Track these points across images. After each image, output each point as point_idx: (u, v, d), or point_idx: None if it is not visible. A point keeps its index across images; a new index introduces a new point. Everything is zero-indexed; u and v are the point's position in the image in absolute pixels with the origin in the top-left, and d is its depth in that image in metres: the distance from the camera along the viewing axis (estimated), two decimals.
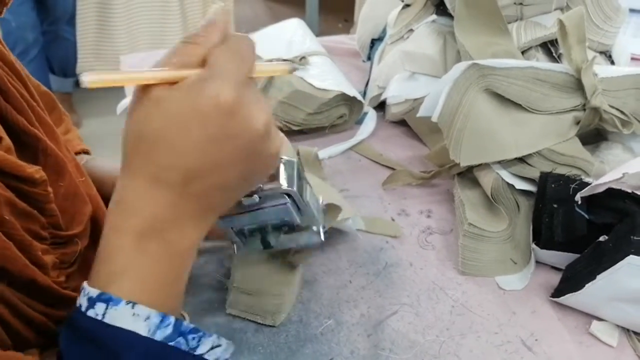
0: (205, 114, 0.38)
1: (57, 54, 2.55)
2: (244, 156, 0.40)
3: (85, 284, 0.40)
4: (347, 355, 0.60)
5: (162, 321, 0.39)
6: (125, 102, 1.00)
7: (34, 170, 0.47)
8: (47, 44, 2.48)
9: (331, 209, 0.64)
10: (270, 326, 0.63)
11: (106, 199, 0.48)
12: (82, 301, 0.39)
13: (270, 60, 0.92)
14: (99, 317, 0.38)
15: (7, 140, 0.48)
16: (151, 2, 2.64)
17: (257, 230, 0.55)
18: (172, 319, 0.39)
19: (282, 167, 0.50)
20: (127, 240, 0.39)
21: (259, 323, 0.63)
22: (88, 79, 0.36)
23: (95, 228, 0.58)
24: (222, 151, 0.39)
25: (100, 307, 0.38)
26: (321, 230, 0.57)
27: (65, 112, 0.74)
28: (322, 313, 0.65)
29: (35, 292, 0.46)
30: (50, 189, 0.49)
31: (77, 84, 2.67)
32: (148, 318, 0.38)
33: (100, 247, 0.40)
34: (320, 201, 0.57)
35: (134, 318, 0.38)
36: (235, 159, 0.40)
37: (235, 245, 0.57)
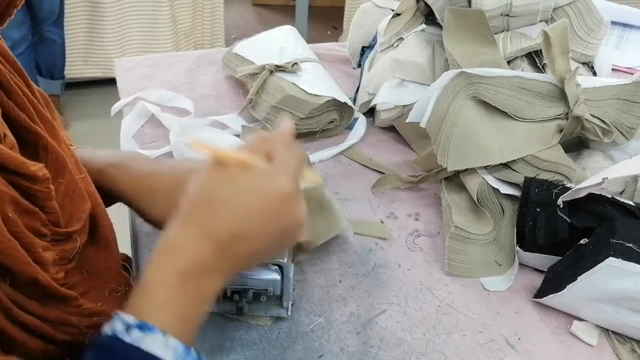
0: (268, 195, 0.47)
1: (43, 56, 2.53)
2: (281, 234, 0.49)
3: (119, 312, 0.43)
4: (337, 352, 0.62)
5: (186, 353, 0.43)
6: (119, 104, 1.01)
7: (37, 168, 0.48)
8: (33, 45, 2.47)
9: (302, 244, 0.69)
10: (262, 325, 0.64)
11: None
12: (117, 326, 0.42)
13: (271, 70, 0.95)
14: (136, 344, 0.41)
15: (10, 137, 0.49)
16: (142, 6, 2.65)
17: (237, 293, 0.61)
18: (194, 352, 0.43)
19: None
20: (171, 278, 0.45)
21: (251, 322, 0.65)
22: (193, 141, 0.47)
23: (94, 225, 0.59)
24: (268, 227, 0.47)
25: (136, 333, 0.41)
26: (289, 306, 0.64)
27: (57, 112, 0.75)
28: (312, 311, 0.67)
29: (35, 292, 0.47)
30: (52, 187, 0.50)
31: (65, 86, 2.67)
32: (175, 349, 0.42)
33: (143, 281, 0.45)
34: (291, 274, 0.63)
35: (165, 347, 0.42)
36: (274, 235, 0.48)
37: None
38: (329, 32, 3.55)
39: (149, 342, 0.41)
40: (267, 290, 0.61)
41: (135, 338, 0.41)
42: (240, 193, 0.47)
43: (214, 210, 0.46)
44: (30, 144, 0.52)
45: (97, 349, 0.42)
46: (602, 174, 0.66)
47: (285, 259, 0.60)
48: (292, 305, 0.64)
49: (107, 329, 0.42)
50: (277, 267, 0.61)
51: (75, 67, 2.70)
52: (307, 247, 0.69)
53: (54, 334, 0.49)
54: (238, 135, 0.91)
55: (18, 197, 0.46)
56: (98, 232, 0.60)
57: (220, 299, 0.62)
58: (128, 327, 0.41)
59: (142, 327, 0.42)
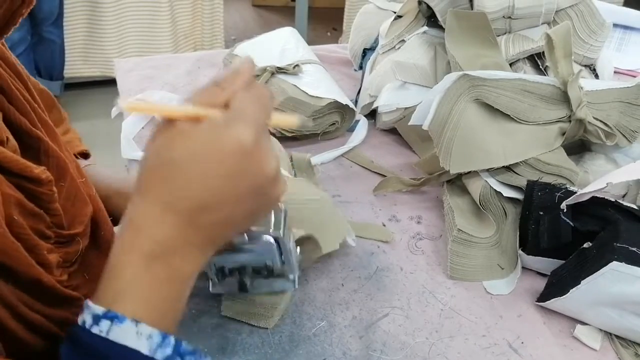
0: (225, 152, 0.40)
1: (42, 56, 2.53)
2: (253, 195, 0.43)
3: (88, 301, 0.40)
4: (339, 356, 0.62)
5: (163, 340, 0.40)
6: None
7: (40, 171, 0.48)
8: (33, 46, 2.47)
9: (311, 246, 0.67)
10: (265, 328, 0.64)
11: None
12: (87, 318, 0.39)
13: (272, 71, 0.94)
14: (103, 334, 0.38)
15: (12, 141, 0.49)
16: (141, 6, 2.64)
17: (236, 271, 0.57)
18: (172, 340, 0.40)
19: (272, 213, 0.53)
20: (135, 259, 0.41)
21: (254, 325, 0.64)
22: (125, 105, 0.41)
23: (96, 228, 0.59)
24: (234, 188, 0.41)
25: (104, 324, 0.39)
26: (296, 278, 0.59)
27: (64, 111, 0.75)
28: (315, 315, 0.66)
29: (40, 293, 0.46)
30: (55, 189, 0.50)
31: (64, 86, 2.67)
32: (150, 337, 0.39)
33: (108, 264, 0.42)
34: (297, 251, 0.60)
35: (137, 336, 0.39)
36: (245, 197, 0.42)
37: (211, 282, 0.59)
38: (328, 34, 3.55)
39: (119, 333, 0.38)
40: (265, 264, 0.56)
41: (103, 328, 0.39)
42: (193, 152, 0.41)
43: (169, 176, 0.41)
44: (31, 148, 0.51)
45: (68, 341, 0.40)
46: (606, 178, 0.66)
47: (281, 231, 0.54)
48: (298, 277, 0.60)
49: (79, 319, 0.40)
50: (271, 238, 0.54)
51: (75, 68, 2.70)
52: (315, 255, 0.68)
53: (58, 333, 0.49)
54: None
55: (23, 200, 0.46)
56: (100, 236, 0.60)
57: (220, 279, 0.58)
58: (96, 318, 0.39)
59: (111, 316, 0.39)
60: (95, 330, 0.39)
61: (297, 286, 0.60)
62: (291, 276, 0.59)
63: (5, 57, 0.55)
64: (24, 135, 0.51)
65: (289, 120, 0.48)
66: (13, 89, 0.52)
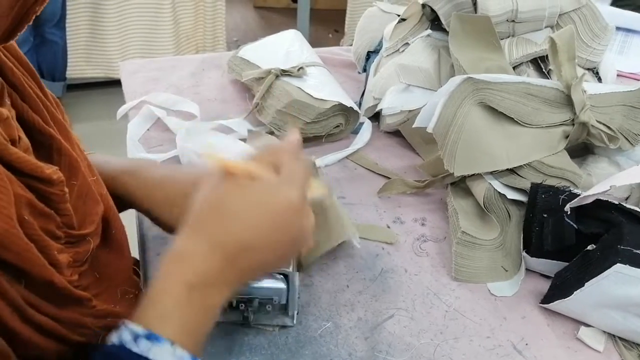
0: (276, 207, 0.47)
1: (45, 58, 2.54)
2: (288, 245, 0.49)
3: (128, 322, 0.43)
4: (345, 357, 0.62)
5: None
6: (125, 107, 1.01)
7: (52, 171, 0.48)
8: (35, 47, 2.47)
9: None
10: (270, 329, 0.65)
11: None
12: (125, 336, 0.42)
13: (277, 74, 0.95)
14: (144, 354, 0.41)
15: (25, 140, 0.49)
16: (143, 8, 2.65)
17: (243, 302, 0.61)
18: None
19: None
20: (179, 288, 0.45)
21: (260, 327, 0.65)
22: (207, 154, 0.49)
23: (106, 227, 0.59)
24: (276, 237, 0.48)
25: (144, 344, 0.42)
26: (295, 315, 0.64)
27: (66, 114, 0.75)
28: (320, 316, 0.67)
29: (51, 293, 0.47)
30: (66, 189, 0.50)
31: (66, 87, 2.67)
32: (182, 359, 0.42)
33: (151, 290, 0.45)
34: (298, 290, 0.64)
35: (172, 358, 0.42)
36: (282, 246, 0.49)
37: None
38: (330, 35, 3.56)
39: (157, 352, 0.41)
40: (272, 299, 0.61)
41: (143, 348, 0.41)
42: (248, 204, 0.47)
43: (222, 220, 0.47)
44: (43, 146, 0.52)
45: (104, 357, 0.42)
46: (609, 181, 0.67)
47: (290, 268, 0.60)
48: (297, 314, 0.64)
49: (114, 337, 0.42)
50: (282, 275, 0.61)
51: (77, 69, 2.70)
52: (311, 254, 0.69)
53: (68, 335, 0.49)
54: (244, 140, 0.91)
55: (34, 200, 0.46)
56: (110, 234, 0.60)
57: (227, 309, 0.62)
58: (136, 337, 0.42)
59: (150, 337, 0.42)
60: (135, 349, 0.41)
61: (295, 322, 0.64)
62: (290, 312, 0.64)
63: (18, 56, 0.55)
64: (36, 133, 0.51)
65: (320, 190, 0.56)
66: (26, 86, 0.52)
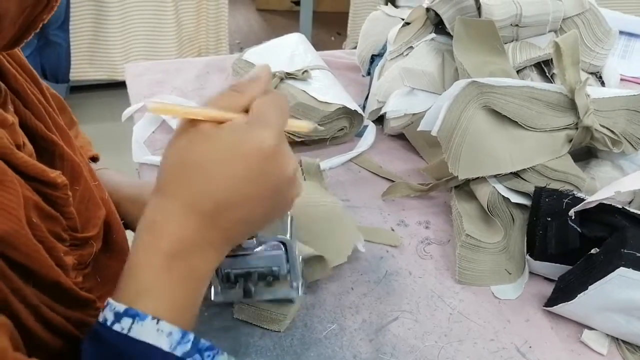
0: (247, 155, 0.42)
1: (48, 60, 2.55)
2: (271, 196, 0.44)
3: (110, 299, 0.41)
4: (350, 359, 0.63)
5: (182, 337, 0.41)
6: (130, 110, 1.02)
7: (57, 175, 0.49)
8: (38, 49, 2.48)
9: (319, 262, 0.67)
10: (276, 331, 0.65)
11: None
12: (108, 315, 0.40)
13: (281, 77, 0.95)
14: (125, 331, 0.39)
15: (29, 146, 0.49)
16: (146, 10, 2.66)
17: (242, 277, 0.57)
18: (191, 336, 0.41)
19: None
20: (155, 259, 0.42)
21: (265, 328, 0.65)
22: (152, 106, 0.42)
23: (108, 232, 0.60)
24: (255, 189, 0.43)
25: (126, 321, 0.39)
26: (299, 286, 0.60)
27: (74, 115, 0.76)
28: (325, 318, 0.67)
29: (58, 294, 0.47)
30: (70, 193, 0.51)
31: (69, 89, 2.68)
32: (170, 334, 0.40)
33: (128, 264, 0.43)
34: (300, 259, 0.60)
35: (157, 333, 0.40)
36: (264, 198, 0.44)
37: (213, 291, 0.59)
38: (332, 38, 3.57)
39: (140, 330, 0.39)
40: (272, 270, 0.56)
41: (125, 325, 0.39)
42: (216, 154, 0.42)
43: (191, 177, 0.42)
44: (46, 152, 0.52)
45: (90, 338, 0.41)
46: (614, 186, 0.67)
47: (288, 235, 0.55)
48: (302, 285, 0.60)
49: (100, 316, 0.41)
50: (279, 243, 0.55)
51: (80, 71, 2.71)
52: (326, 267, 0.68)
53: (76, 334, 0.49)
54: None
55: (41, 203, 0.47)
56: (111, 238, 0.60)
57: (226, 287, 0.58)
58: (117, 315, 0.40)
59: (132, 314, 0.40)
60: (116, 327, 0.40)
61: (300, 294, 0.60)
62: (294, 284, 0.60)
63: (21, 62, 0.56)
64: (39, 140, 0.52)
65: (302, 126, 0.50)
66: (29, 93, 0.53)
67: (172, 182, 0.43)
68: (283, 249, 0.56)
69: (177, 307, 0.42)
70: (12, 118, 0.47)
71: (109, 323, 0.40)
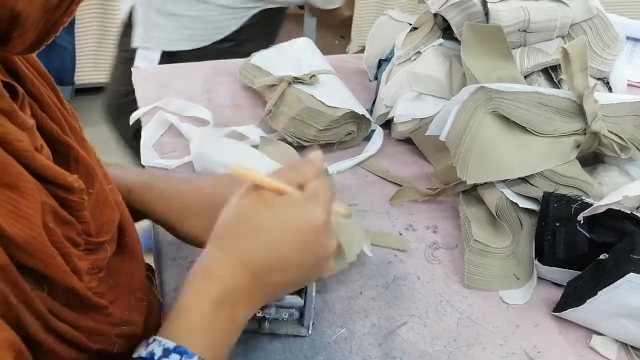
0: (301, 226, 0.48)
1: (53, 62, 2.55)
2: (312, 266, 0.50)
3: (158, 335, 0.44)
4: None
5: None
6: (138, 113, 1.02)
7: (74, 179, 0.49)
8: (44, 51, 2.48)
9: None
10: (286, 335, 0.65)
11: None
12: (156, 350, 0.43)
13: (289, 81, 0.96)
14: None
15: (46, 149, 0.50)
16: None
17: (259, 311, 0.61)
18: None
19: None
20: (206, 303, 0.46)
21: (275, 332, 0.65)
22: (235, 169, 0.48)
23: (121, 235, 0.60)
24: (301, 258, 0.49)
25: (174, 357, 0.43)
26: (310, 325, 0.65)
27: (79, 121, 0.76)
28: (334, 322, 0.67)
29: (72, 300, 0.47)
30: (85, 197, 0.51)
31: (74, 92, 2.69)
32: None
33: (179, 304, 0.47)
34: (314, 301, 0.64)
35: None
36: (306, 267, 0.50)
37: None
38: (336, 42, 3.57)
39: None
40: (289, 310, 0.62)
41: None
42: (274, 220, 0.48)
43: (249, 237, 0.47)
44: (61, 155, 0.52)
45: None
46: (622, 191, 0.67)
47: (302, 301, 0.62)
48: (312, 324, 0.65)
49: (143, 351, 0.43)
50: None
51: (85, 74, 2.72)
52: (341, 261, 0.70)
53: (86, 343, 0.49)
54: (256, 146, 0.92)
55: (57, 208, 0.47)
56: (125, 242, 0.60)
57: None
58: (166, 351, 0.43)
59: (180, 351, 0.43)
60: None
61: (310, 333, 0.65)
62: (306, 323, 0.64)
63: (37, 66, 0.56)
64: (55, 143, 0.52)
65: (343, 211, 0.56)
66: (45, 97, 0.53)
67: (231, 237, 0.48)
68: (302, 295, 0.62)
69: (218, 349, 0.46)
70: (31, 121, 0.47)
71: (156, 357, 0.43)
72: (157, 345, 0.43)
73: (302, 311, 0.63)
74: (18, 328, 0.41)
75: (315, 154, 0.53)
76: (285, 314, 0.62)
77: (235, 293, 0.47)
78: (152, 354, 0.43)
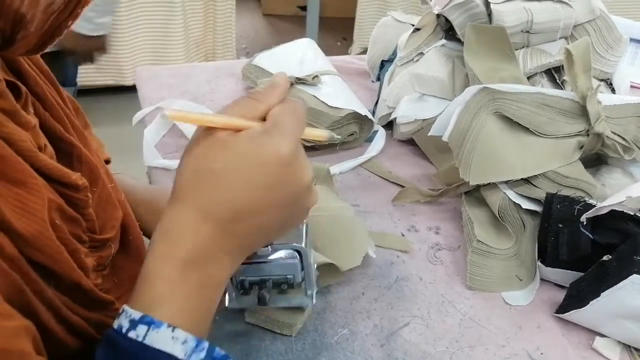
0: (265, 163, 0.42)
1: (56, 63, 2.56)
2: (288, 204, 0.44)
3: (126, 306, 0.41)
4: None
5: (197, 345, 0.40)
6: (141, 113, 1.02)
7: (77, 177, 0.49)
8: (47, 52, 2.48)
9: (331, 266, 0.68)
10: (287, 335, 0.65)
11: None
12: (124, 322, 0.40)
13: (292, 82, 0.96)
14: (140, 339, 0.39)
15: (50, 148, 0.50)
16: (154, 15, 2.67)
17: (256, 284, 0.57)
18: (206, 344, 0.41)
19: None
20: (171, 268, 0.42)
21: (277, 332, 0.65)
22: (170, 113, 0.42)
23: (124, 233, 0.60)
24: (271, 197, 0.43)
25: (141, 329, 0.39)
26: (313, 294, 0.60)
27: (87, 119, 0.76)
28: (337, 323, 0.67)
29: (79, 296, 0.47)
30: (89, 195, 0.51)
31: (77, 92, 2.69)
32: (185, 342, 0.40)
33: (143, 272, 0.42)
34: (315, 267, 0.60)
35: (173, 341, 0.40)
36: (280, 206, 0.44)
37: (227, 297, 0.59)
38: (338, 43, 3.57)
39: (155, 338, 0.39)
40: (286, 277, 0.56)
41: (140, 333, 0.39)
42: (233, 162, 0.42)
43: (208, 185, 0.42)
44: (65, 153, 0.53)
45: (105, 345, 0.41)
46: (625, 192, 0.67)
47: (303, 243, 0.55)
48: (315, 293, 0.60)
49: (115, 323, 0.41)
50: (294, 251, 0.56)
51: (88, 76, 2.72)
52: (337, 272, 0.69)
53: (95, 336, 0.50)
54: None
55: (63, 205, 0.47)
56: (128, 240, 0.61)
57: (240, 293, 0.58)
58: (132, 322, 0.40)
59: (148, 321, 0.40)
60: (132, 334, 0.39)
61: (314, 302, 0.60)
62: (309, 292, 0.60)
63: (40, 65, 0.57)
64: (58, 141, 0.52)
65: (318, 135, 0.50)
66: (48, 95, 0.53)
67: (188, 190, 0.43)
68: (298, 257, 0.56)
69: (191, 315, 0.42)
70: (34, 120, 0.47)
71: (124, 330, 0.40)
72: (124, 317, 0.40)
73: (302, 276, 0.57)
74: (30, 317, 0.40)
75: (278, 76, 0.46)
76: (284, 285, 0.57)
77: (201, 251, 0.42)
78: (120, 327, 0.40)
